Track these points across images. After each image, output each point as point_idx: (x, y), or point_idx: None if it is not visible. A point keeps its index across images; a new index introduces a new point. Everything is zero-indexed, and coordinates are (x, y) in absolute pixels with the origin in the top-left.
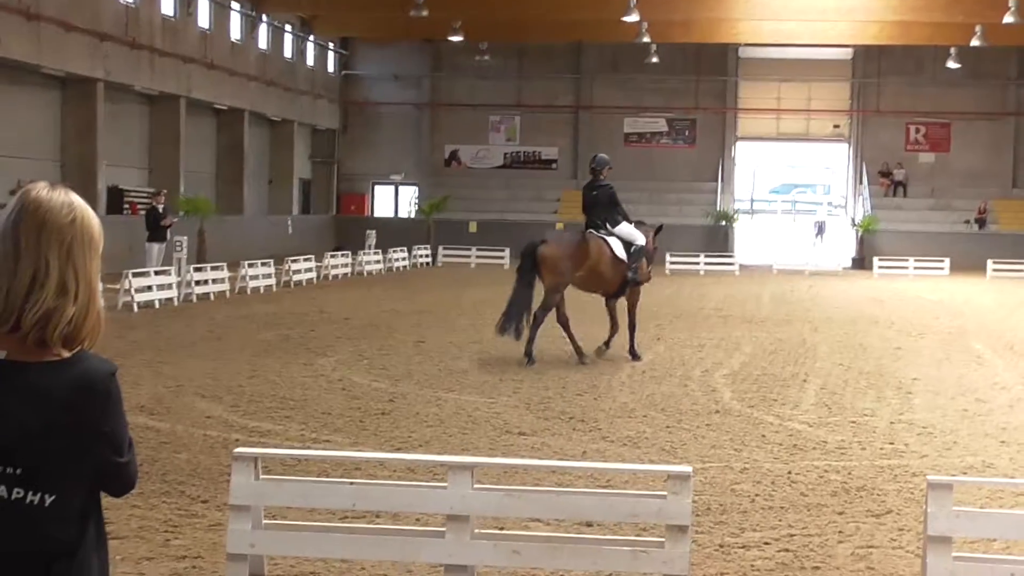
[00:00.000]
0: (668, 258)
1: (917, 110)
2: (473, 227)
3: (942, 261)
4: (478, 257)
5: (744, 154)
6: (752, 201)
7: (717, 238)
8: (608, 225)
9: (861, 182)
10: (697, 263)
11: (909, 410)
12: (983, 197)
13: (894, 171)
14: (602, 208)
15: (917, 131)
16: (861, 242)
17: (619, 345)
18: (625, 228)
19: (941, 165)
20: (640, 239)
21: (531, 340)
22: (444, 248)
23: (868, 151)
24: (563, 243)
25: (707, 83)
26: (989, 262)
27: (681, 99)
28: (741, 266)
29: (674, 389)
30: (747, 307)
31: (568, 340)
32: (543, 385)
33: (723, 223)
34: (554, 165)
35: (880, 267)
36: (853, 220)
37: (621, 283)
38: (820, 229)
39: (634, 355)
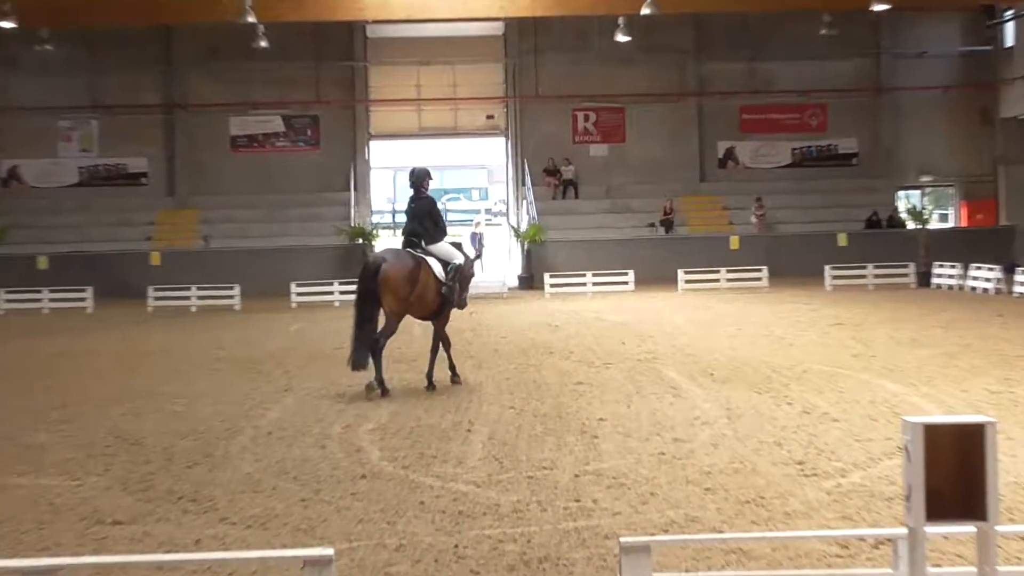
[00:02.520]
0: (293, 289)
1: (584, 93)
2: (43, 263)
3: (625, 274)
4: (52, 300)
5: (381, 155)
6: (394, 213)
7: (353, 260)
8: (424, 242)
9: (524, 183)
10: (331, 292)
11: (596, 458)
12: (668, 194)
13: (562, 168)
14: (419, 223)
15: (586, 119)
16: (528, 256)
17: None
18: (443, 247)
19: (617, 158)
20: (457, 258)
21: (379, 370)
22: (6, 292)
23: (530, 145)
24: (401, 262)
25: (330, 70)
26: (680, 272)
27: (300, 91)
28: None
29: (309, 452)
30: (393, 342)
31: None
32: (143, 458)
33: (360, 241)
34: (144, 180)
35: (552, 285)
36: (517, 230)
37: (439, 305)
38: (478, 243)
39: (430, 383)
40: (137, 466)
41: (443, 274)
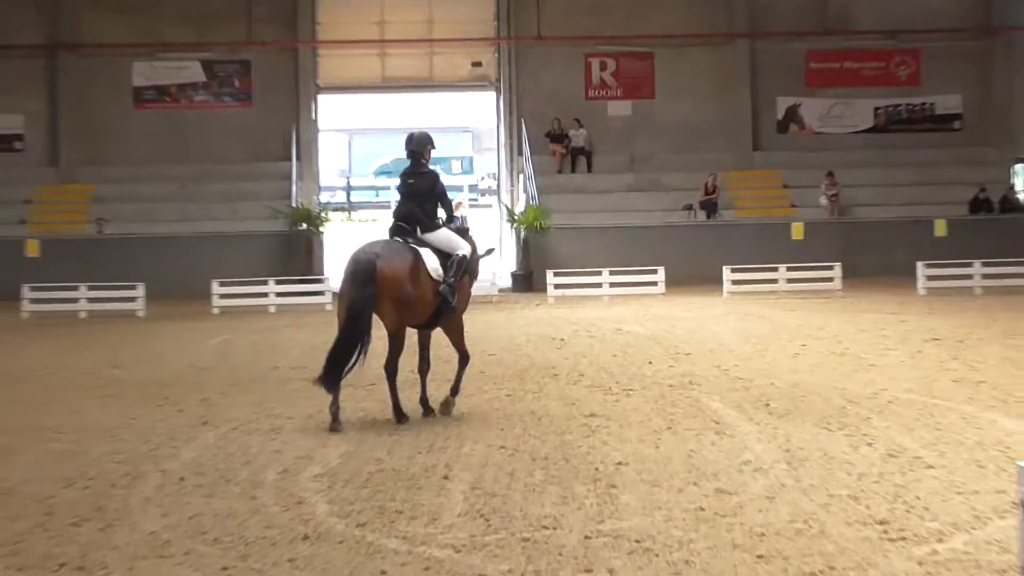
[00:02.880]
0: (215, 289)
1: (601, 34)
2: None
3: (654, 272)
4: None
5: (332, 114)
6: (348, 190)
7: (294, 252)
8: (419, 230)
9: (520, 152)
10: (264, 293)
11: (614, 514)
12: (711, 168)
13: (570, 132)
14: (418, 205)
15: (603, 68)
16: (526, 247)
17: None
18: (442, 235)
19: (643, 119)
20: (463, 248)
21: (397, 402)
22: None
23: (529, 102)
24: (399, 256)
25: (266, 2)
26: (725, 270)
27: (225, 29)
28: (336, 294)
29: (234, 505)
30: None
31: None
32: (13, 513)
33: (303, 227)
34: (18, 144)
35: (557, 286)
36: (511, 212)
37: (435, 310)
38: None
39: (454, 391)
40: (5, 523)
41: (440, 270)
